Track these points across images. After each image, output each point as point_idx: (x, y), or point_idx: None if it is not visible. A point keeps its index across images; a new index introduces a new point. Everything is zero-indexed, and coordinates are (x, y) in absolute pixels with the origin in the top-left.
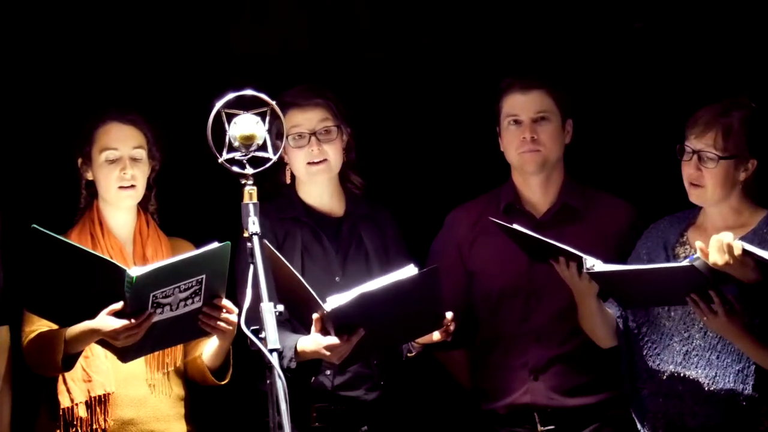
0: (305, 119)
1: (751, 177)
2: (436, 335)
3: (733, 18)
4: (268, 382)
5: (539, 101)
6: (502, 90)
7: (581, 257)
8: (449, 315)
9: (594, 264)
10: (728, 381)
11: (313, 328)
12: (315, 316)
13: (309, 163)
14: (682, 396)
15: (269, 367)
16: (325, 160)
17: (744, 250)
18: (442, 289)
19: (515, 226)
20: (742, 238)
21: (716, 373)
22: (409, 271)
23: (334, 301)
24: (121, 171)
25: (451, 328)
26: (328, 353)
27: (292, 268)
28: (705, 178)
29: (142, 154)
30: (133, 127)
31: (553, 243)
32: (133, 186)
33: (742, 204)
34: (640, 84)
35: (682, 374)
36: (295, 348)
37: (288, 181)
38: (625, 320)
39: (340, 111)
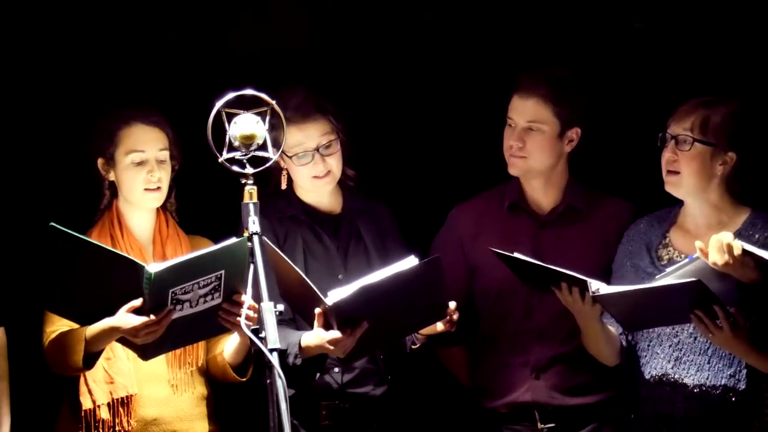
0: (306, 137)
1: (731, 173)
2: (440, 326)
3: (733, 18)
4: (268, 381)
5: (533, 110)
6: (512, 86)
7: (586, 281)
8: (452, 305)
9: (599, 287)
10: (720, 384)
11: (315, 323)
12: (317, 310)
13: (314, 177)
14: (673, 401)
15: (269, 366)
16: (329, 172)
17: (744, 250)
18: (444, 279)
19: (517, 255)
20: None
21: (708, 376)
22: (411, 261)
23: (335, 295)
24: (147, 173)
25: (455, 317)
26: (332, 347)
27: (292, 264)
28: (680, 164)
29: (166, 155)
30: (158, 128)
31: (556, 269)
32: (159, 188)
33: (722, 201)
34: (641, 84)
35: (673, 379)
36: (299, 344)
37: (285, 186)
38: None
39: (336, 118)
